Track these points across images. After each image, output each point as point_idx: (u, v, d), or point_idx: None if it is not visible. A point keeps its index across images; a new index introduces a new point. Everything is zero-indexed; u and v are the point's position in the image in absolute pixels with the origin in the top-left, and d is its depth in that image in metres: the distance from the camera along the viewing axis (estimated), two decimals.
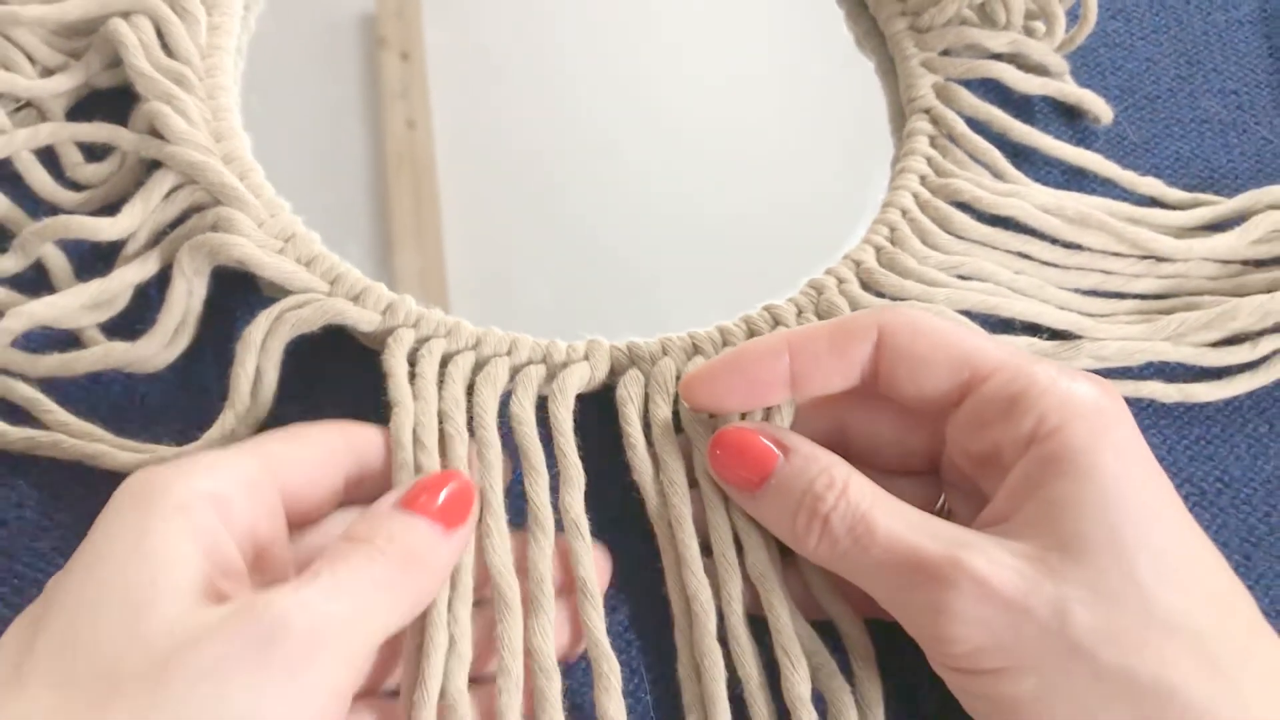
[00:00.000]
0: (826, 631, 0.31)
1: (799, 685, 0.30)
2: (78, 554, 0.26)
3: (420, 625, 0.29)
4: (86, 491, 0.32)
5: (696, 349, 0.35)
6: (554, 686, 0.29)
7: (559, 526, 0.31)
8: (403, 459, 0.31)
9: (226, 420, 0.32)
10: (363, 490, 0.31)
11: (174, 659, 0.23)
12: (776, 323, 0.35)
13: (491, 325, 0.35)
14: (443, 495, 0.29)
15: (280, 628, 0.24)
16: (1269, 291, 0.38)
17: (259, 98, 0.39)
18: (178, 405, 0.34)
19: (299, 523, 0.30)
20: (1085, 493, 0.27)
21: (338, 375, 0.35)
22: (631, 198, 0.40)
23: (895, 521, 0.28)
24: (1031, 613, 0.26)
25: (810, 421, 0.32)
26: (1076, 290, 0.38)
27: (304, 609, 0.25)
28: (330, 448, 0.30)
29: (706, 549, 0.31)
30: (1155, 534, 0.27)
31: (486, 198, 0.40)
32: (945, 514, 0.31)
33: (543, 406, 0.33)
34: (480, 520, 0.31)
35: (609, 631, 0.31)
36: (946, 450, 0.31)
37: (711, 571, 0.31)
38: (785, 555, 0.31)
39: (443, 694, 0.28)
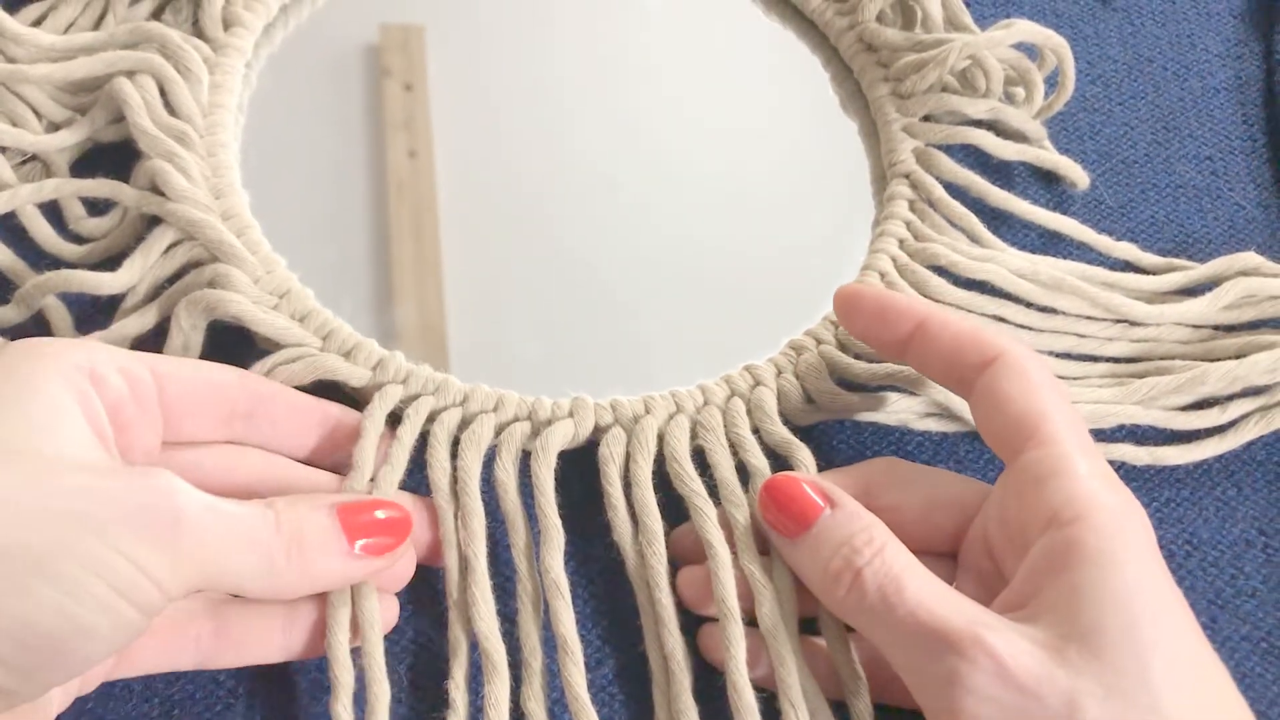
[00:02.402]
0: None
1: None
2: None
3: None
4: None
5: (679, 408, 0.36)
6: None
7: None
8: None
9: None
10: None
11: (65, 468, 0.26)
12: (757, 382, 0.36)
13: (483, 354, 0.36)
14: (378, 519, 0.30)
15: (160, 495, 0.26)
16: (1238, 357, 0.39)
17: (259, 150, 0.40)
18: None
19: (177, 436, 0.31)
20: (1106, 584, 0.28)
21: None
22: (621, 244, 0.41)
23: (924, 589, 0.29)
24: (1043, 700, 0.27)
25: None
26: (1050, 353, 0.39)
27: (185, 498, 0.27)
28: (221, 382, 0.32)
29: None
30: (1169, 637, 0.27)
31: (485, 230, 0.41)
32: None
33: (526, 460, 0.34)
34: (465, 587, 0.32)
35: (593, 686, 0.32)
36: (978, 519, 0.32)
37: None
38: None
39: None
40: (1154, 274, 0.42)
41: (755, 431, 0.35)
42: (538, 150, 0.43)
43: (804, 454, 0.35)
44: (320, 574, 0.29)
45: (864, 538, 0.30)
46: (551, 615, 0.31)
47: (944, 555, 0.33)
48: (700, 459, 0.35)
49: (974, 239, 0.41)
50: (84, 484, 0.26)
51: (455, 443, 0.34)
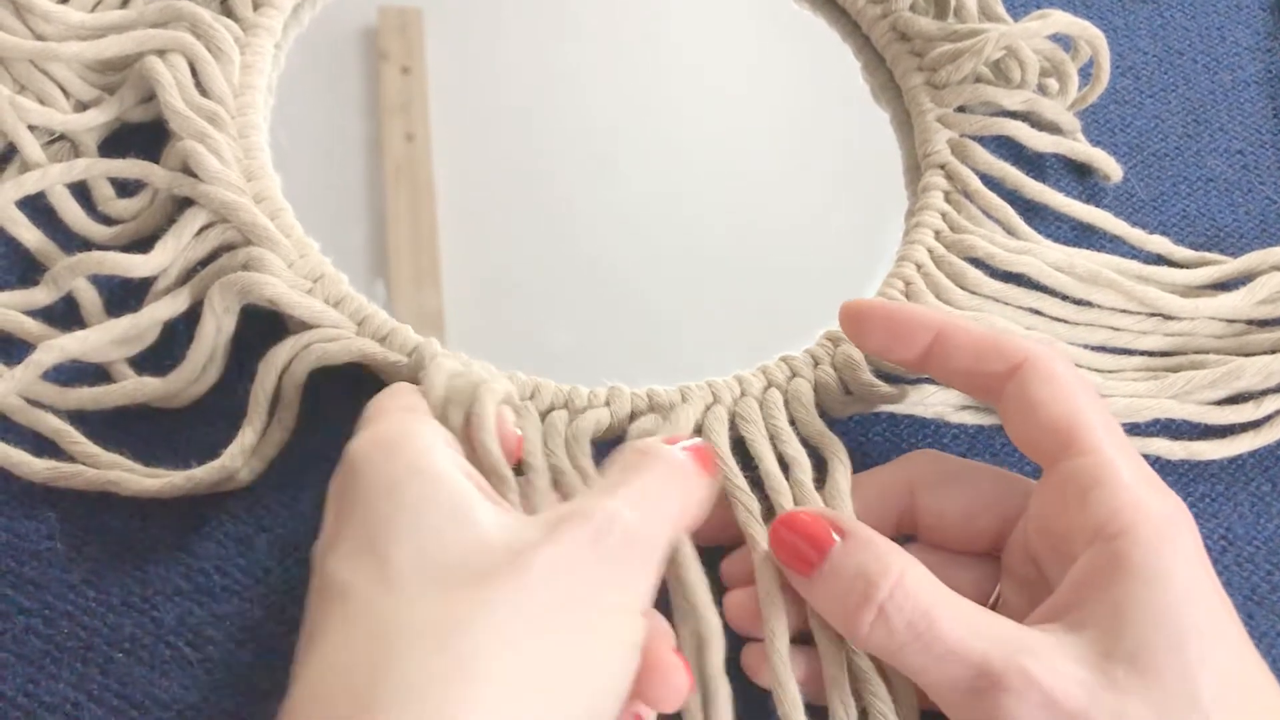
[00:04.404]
0: None
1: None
2: (360, 495, 0.27)
3: None
4: (116, 524, 0.33)
5: (715, 398, 0.35)
6: None
7: None
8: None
9: (245, 437, 0.33)
10: None
11: (523, 555, 0.26)
12: (794, 374, 0.36)
13: (481, 342, 0.36)
14: (688, 445, 0.31)
15: (609, 525, 0.27)
16: (1273, 351, 0.39)
17: (284, 131, 0.40)
18: (205, 439, 0.34)
19: None
20: (1153, 600, 0.27)
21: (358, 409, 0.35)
22: (631, 234, 0.41)
23: (958, 619, 0.28)
24: None
25: (883, 498, 0.33)
26: (1085, 346, 0.39)
27: (621, 511, 0.27)
28: None
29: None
30: (1218, 652, 0.27)
31: (483, 214, 0.40)
32: (998, 604, 0.32)
33: None
34: None
35: None
36: (1019, 526, 0.31)
37: None
38: None
39: None
40: (1187, 268, 0.42)
41: (791, 423, 0.35)
42: (541, 136, 0.42)
43: (839, 449, 0.34)
44: (701, 498, 0.30)
45: (878, 567, 0.29)
46: None
47: (986, 556, 0.33)
48: (736, 451, 0.34)
49: (1010, 231, 0.41)
50: (571, 582, 0.26)
51: None
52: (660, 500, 0.29)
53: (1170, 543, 0.28)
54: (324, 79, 0.42)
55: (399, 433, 0.29)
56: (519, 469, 0.32)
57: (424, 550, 0.26)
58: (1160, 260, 0.42)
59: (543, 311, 0.39)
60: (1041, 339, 0.38)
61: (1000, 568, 0.32)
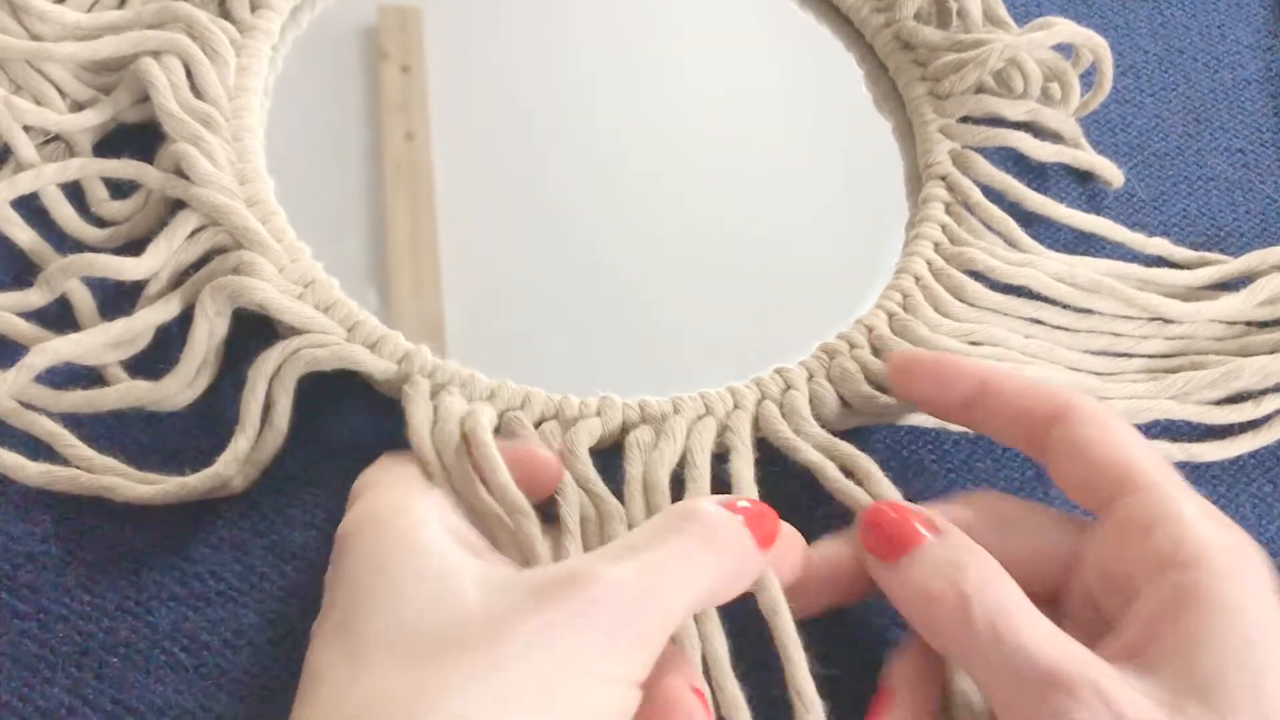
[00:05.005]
0: None
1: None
2: (347, 571, 0.27)
3: None
4: (111, 528, 0.33)
5: (708, 409, 0.35)
6: None
7: None
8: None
9: (239, 445, 0.33)
10: None
11: (501, 624, 0.25)
12: (788, 386, 0.36)
13: (482, 344, 0.36)
14: (748, 506, 0.29)
15: (605, 595, 0.25)
16: (1272, 352, 0.39)
17: (284, 131, 0.39)
18: (199, 443, 0.34)
19: None
20: (1226, 633, 0.26)
21: (352, 415, 0.35)
22: (633, 239, 0.40)
23: (1039, 626, 0.27)
24: None
25: None
26: (1086, 351, 0.39)
27: (623, 581, 0.26)
28: None
29: None
30: None
31: (483, 215, 0.40)
32: None
33: None
34: None
35: None
36: (1079, 569, 0.31)
37: None
38: None
39: None
40: (1187, 269, 0.42)
41: (796, 434, 0.35)
42: (542, 134, 0.42)
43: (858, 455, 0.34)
44: (747, 560, 0.29)
45: (971, 559, 0.28)
46: None
47: (1044, 601, 0.32)
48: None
49: (1011, 243, 0.40)
50: (552, 653, 0.25)
51: None
52: (683, 573, 0.27)
53: (1239, 574, 0.27)
54: (323, 78, 0.42)
55: (390, 508, 0.28)
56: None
57: (399, 625, 0.25)
58: (1160, 262, 0.42)
59: (542, 316, 0.38)
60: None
61: (1056, 614, 0.31)
